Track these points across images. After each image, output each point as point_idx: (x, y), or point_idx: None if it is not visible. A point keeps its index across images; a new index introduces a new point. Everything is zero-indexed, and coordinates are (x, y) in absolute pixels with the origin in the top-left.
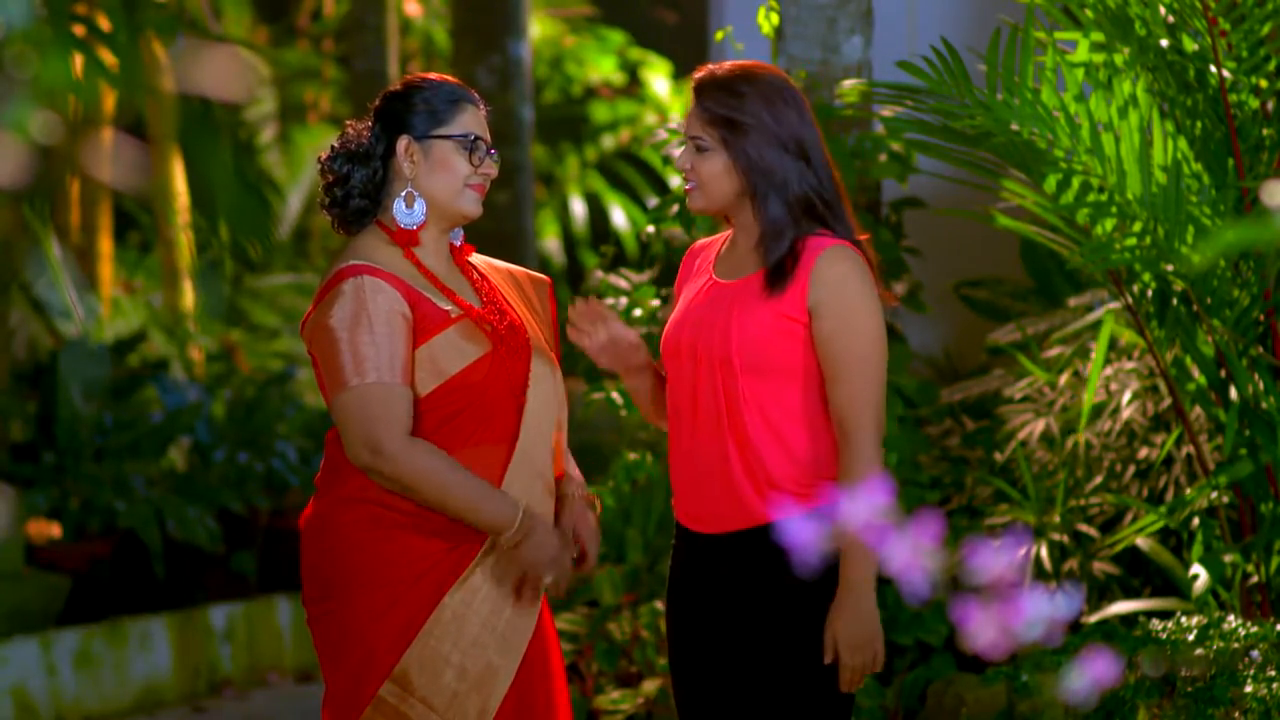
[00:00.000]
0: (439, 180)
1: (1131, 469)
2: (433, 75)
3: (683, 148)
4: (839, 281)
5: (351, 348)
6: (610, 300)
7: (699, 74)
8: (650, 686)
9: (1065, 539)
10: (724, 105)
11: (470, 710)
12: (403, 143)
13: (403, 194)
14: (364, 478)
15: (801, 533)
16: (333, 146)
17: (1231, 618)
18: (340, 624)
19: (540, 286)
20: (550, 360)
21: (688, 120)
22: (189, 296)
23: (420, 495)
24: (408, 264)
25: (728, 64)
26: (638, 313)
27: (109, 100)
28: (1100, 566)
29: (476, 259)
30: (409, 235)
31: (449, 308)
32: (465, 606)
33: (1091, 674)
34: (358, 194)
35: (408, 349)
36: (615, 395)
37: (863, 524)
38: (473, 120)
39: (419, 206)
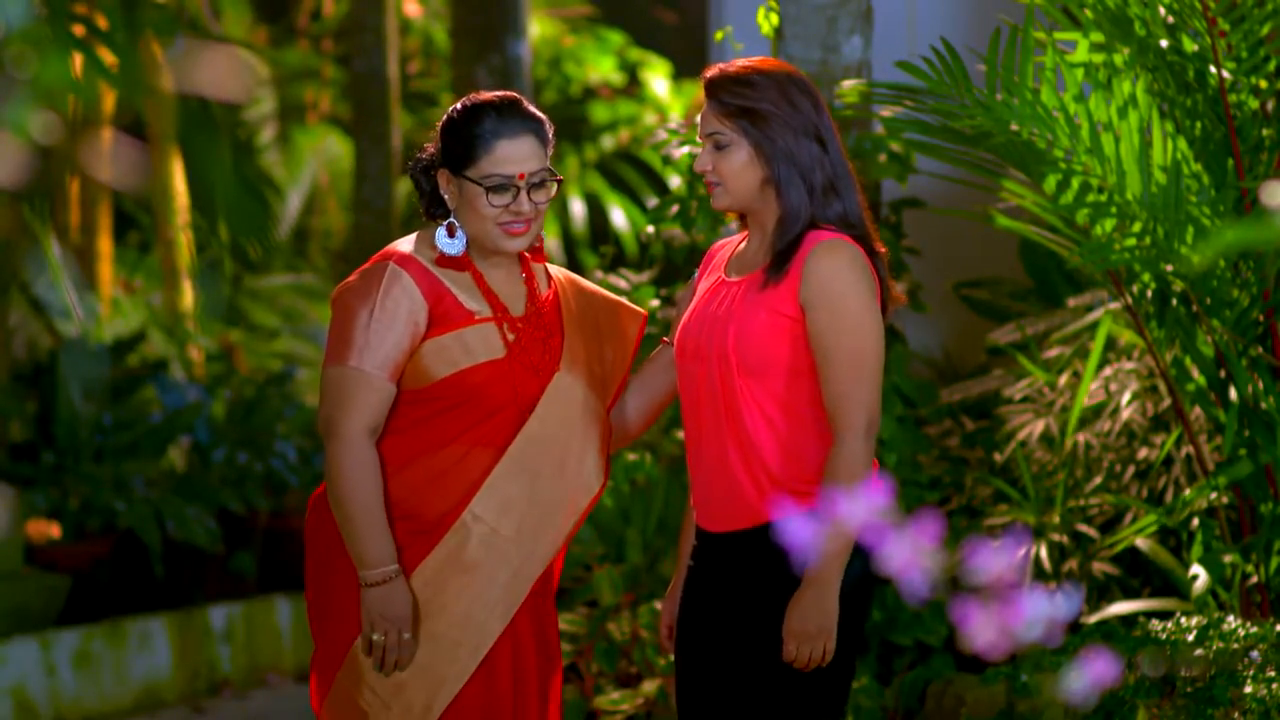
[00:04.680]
0: (469, 219)
1: (1131, 469)
2: (487, 98)
3: (700, 150)
4: (831, 275)
5: (353, 328)
6: None
7: (709, 73)
8: (650, 686)
9: (1065, 539)
10: (740, 96)
11: (415, 703)
12: (443, 177)
13: (445, 224)
14: None
15: (797, 532)
16: (418, 152)
17: (1231, 618)
18: (315, 608)
19: (634, 318)
20: (587, 387)
21: (703, 119)
22: (188, 296)
23: (334, 490)
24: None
25: (738, 61)
26: None
27: (109, 100)
28: (1100, 567)
29: (560, 273)
30: (450, 261)
31: (476, 308)
32: (422, 600)
33: (1091, 674)
34: (426, 205)
35: (404, 347)
36: None
37: (856, 523)
38: (507, 156)
39: (460, 237)
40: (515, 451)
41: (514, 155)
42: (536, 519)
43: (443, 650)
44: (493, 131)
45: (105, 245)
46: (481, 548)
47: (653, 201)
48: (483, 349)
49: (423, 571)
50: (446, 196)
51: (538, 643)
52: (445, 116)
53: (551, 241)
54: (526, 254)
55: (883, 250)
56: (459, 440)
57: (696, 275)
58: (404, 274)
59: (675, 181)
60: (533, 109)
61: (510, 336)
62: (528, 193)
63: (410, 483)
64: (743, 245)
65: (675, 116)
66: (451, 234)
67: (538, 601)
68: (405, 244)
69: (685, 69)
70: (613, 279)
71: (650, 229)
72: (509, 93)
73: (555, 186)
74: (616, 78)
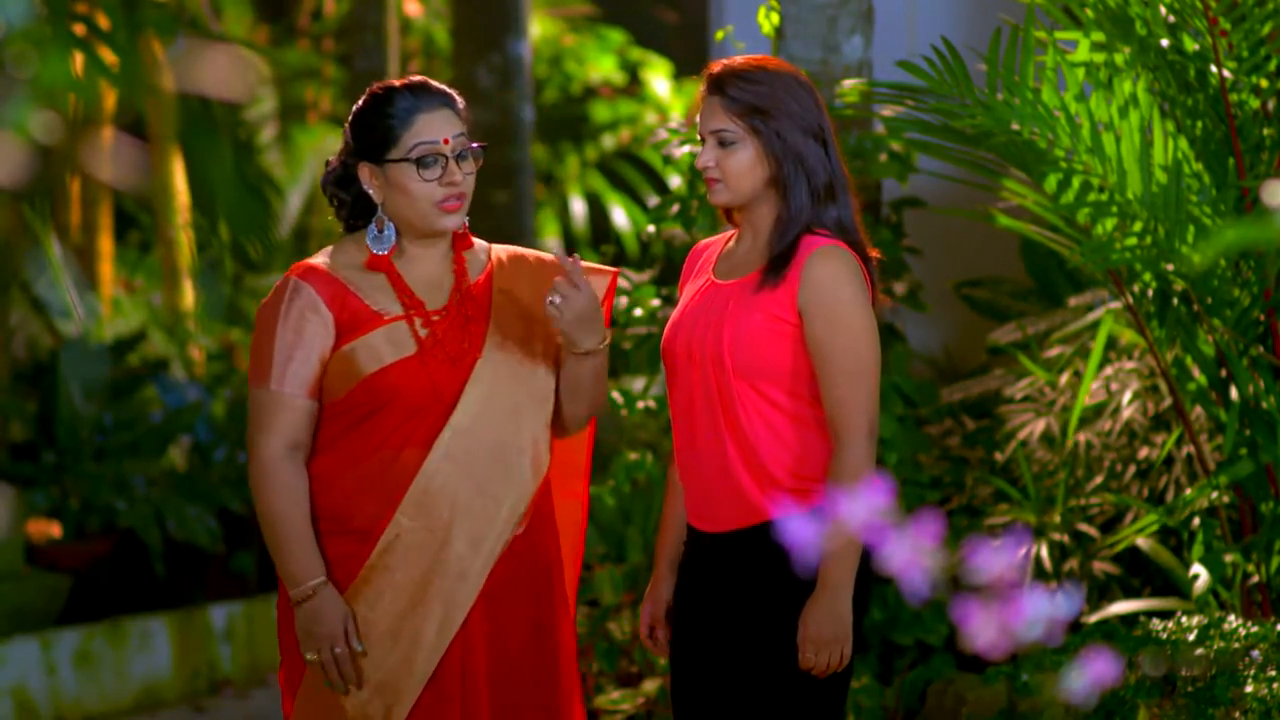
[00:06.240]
0: (401, 205)
1: (1131, 469)
2: (394, 82)
3: (703, 146)
4: (828, 282)
5: (264, 348)
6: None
7: (714, 68)
8: (650, 686)
9: (1065, 539)
10: (748, 93)
11: (375, 714)
12: (364, 171)
13: (374, 220)
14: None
15: (799, 532)
16: (327, 163)
17: (1232, 618)
18: (279, 620)
19: (601, 278)
20: (522, 364)
21: (705, 115)
22: (189, 296)
23: (258, 510)
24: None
25: (739, 58)
26: (638, 312)
27: (109, 100)
28: (1100, 566)
29: (501, 251)
30: (379, 260)
31: (386, 308)
32: (369, 610)
33: (1091, 674)
34: (346, 216)
35: (316, 360)
36: (615, 395)
37: (858, 524)
38: (428, 126)
39: (388, 232)
40: (441, 446)
41: (434, 124)
42: (480, 513)
43: (395, 659)
44: (409, 108)
45: (106, 245)
46: (416, 550)
47: (653, 201)
48: (392, 349)
49: (362, 580)
50: (372, 191)
51: (490, 644)
52: (353, 112)
53: (552, 241)
54: (457, 242)
55: (874, 255)
56: (387, 444)
57: (681, 275)
58: (306, 286)
59: (676, 181)
60: (442, 85)
61: (422, 332)
62: (456, 162)
63: (345, 493)
64: (730, 245)
65: (676, 116)
66: (381, 229)
67: (498, 600)
68: (320, 255)
69: (686, 68)
70: None
71: (651, 228)
72: (415, 76)
73: (480, 157)
74: (617, 77)
